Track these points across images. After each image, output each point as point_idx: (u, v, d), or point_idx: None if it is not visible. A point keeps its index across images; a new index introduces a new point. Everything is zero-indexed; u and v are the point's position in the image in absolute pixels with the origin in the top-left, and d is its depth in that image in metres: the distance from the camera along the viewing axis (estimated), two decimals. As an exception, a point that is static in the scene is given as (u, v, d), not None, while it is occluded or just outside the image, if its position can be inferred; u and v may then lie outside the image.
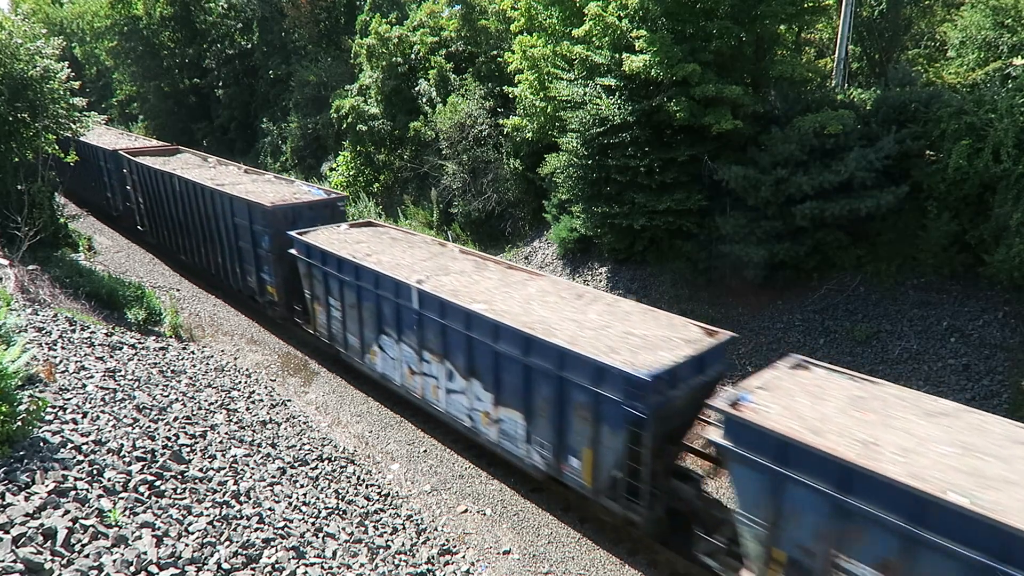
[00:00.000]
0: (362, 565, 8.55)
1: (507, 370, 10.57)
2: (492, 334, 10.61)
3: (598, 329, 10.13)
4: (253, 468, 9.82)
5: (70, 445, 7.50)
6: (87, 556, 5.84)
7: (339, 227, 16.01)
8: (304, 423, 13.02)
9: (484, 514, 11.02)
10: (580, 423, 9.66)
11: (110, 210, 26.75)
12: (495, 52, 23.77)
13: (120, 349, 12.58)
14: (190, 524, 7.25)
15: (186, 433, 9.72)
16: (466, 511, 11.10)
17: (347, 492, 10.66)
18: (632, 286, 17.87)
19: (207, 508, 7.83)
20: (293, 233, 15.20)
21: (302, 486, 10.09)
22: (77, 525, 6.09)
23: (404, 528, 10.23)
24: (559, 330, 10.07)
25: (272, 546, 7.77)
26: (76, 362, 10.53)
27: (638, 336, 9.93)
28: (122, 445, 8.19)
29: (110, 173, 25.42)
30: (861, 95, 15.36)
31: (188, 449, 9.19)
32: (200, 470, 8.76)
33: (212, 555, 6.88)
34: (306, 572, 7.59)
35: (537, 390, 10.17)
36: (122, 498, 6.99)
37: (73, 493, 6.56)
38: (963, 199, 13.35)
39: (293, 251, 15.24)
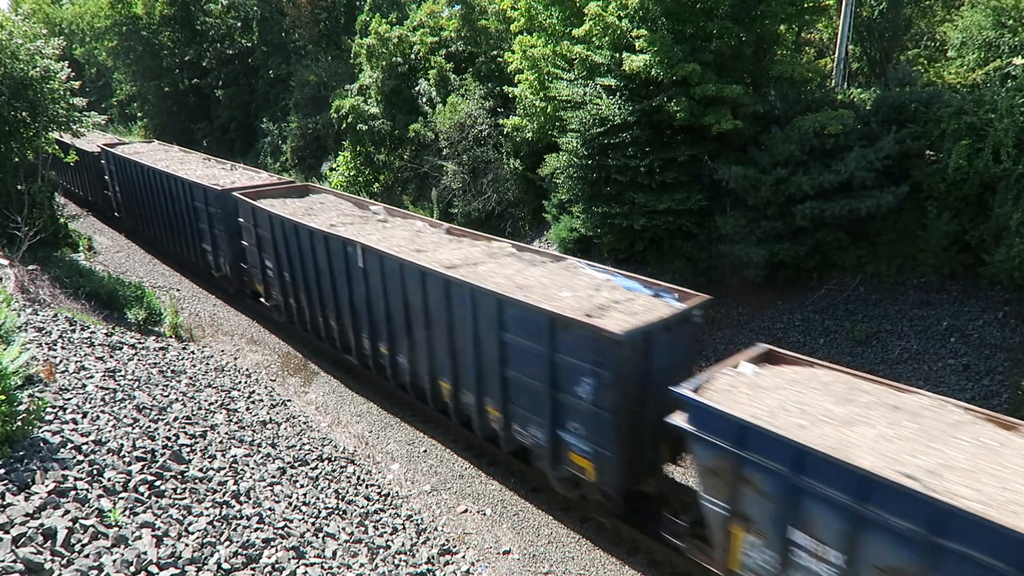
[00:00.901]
0: (362, 565, 8.55)
1: None
2: None
3: None
4: (253, 468, 9.82)
5: (70, 445, 7.50)
6: (87, 556, 5.83)
7: (741, 369, 8.74)
8: (304, 423, 13.02)
9: (484, 514, 11.02)
10: None
11: (208, 268, 20.26)
12: (495, 52, 23.78)
13: (120, 349, 12.58)
14: (190, 524, 7.25)
15: (186, 433, 9.72)
16: (466, 511, 11.10)
17: (347, 492, 10.66)
18: (632, 286, 17.87)
19: (207, 508, 7.83)
20: (690, 394, 8.00)
21: (302, 486, 10.09)
22: (77, 525, 6.09)
23: (404, 528, 10.23)
24: None
25: (272, 546, 7.77)
26: (76, 362, 10.53)
27: None
28: (122, 445, 8.19)
29: (212, 219, 18.69)
30: (861, 95, 15.37)
31: (188, 449, 9.20)
32: (200, 470, 8.76)
33: (212, 555, 6.88)
34: (306, 572, 7.59)
35: None
36: (122, 498, 6.99)
37: (73, 493, 6.56)
38: (963, 199, 13.35)
39: (684, 425, 8.10)
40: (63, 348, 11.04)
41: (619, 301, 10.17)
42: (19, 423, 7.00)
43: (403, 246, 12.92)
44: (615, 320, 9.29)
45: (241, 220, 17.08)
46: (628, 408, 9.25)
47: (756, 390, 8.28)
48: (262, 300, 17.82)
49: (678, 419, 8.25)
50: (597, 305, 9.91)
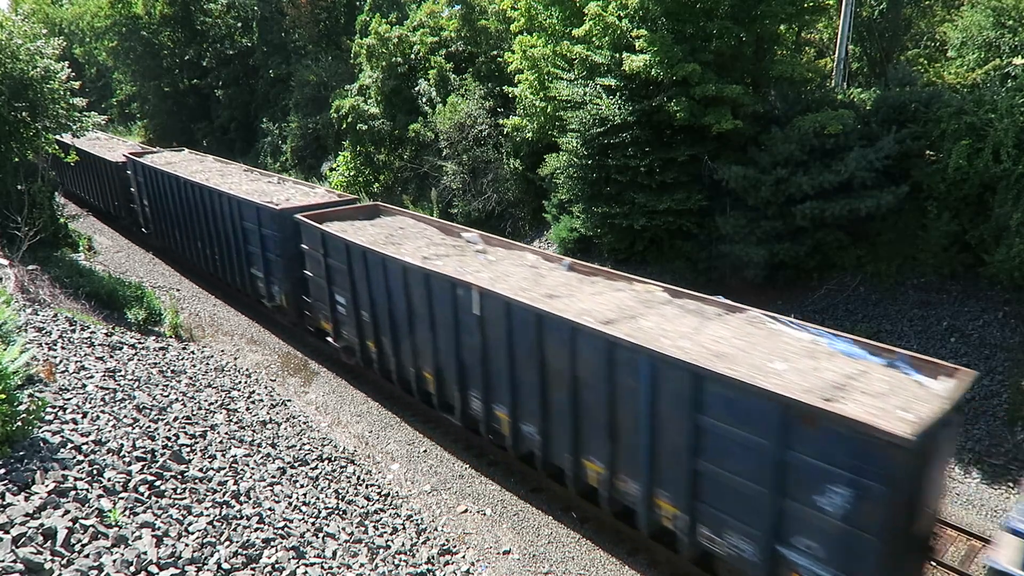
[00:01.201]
0: (362, 565, 8.55)
1: None
2: None
3: None
4: (253, 468, 9.82)
5: (70, 445, 7.49)
6: (87, 556, 5.83)
7: None
8: (304, 423, 13.02)
9: (484, 514, 11.02)
10: None
11: (257, 296, 17.87)
12: (495, 52, 23.80)
13: (120, 349, 12.58)
14: (190, 524, 7.25)
15: (186, 433, 9.72)
16: (466, 511, 11.10)
17: (347, 492, 10.66)
18: (632, 286, 17.87)
19: (207, 508, 7.83)
20: None
21: (302, 486, 10.09)
22: (77, 525, 6.09)
23: (404, 528, 10.23)
24: None
25: (272, 546, 7.77)
26: (76, 362, 10.53)
27: None
28: (122, 445, 8.19)
29: (266, 242, 16.40)
30: (861, 95, 15.38)
31: (188, 449, 9.20)
32: (200, 470, 8.76)
33: (212, 555, 6.88)
34: (306, 572, 7.58)
35: None
36: (122, 498, 6.99)
37: (73, 493, 6.56)
38: (963, 199, 13.36)
39: (1017, 573, 6.41)
40: (63, 348, 11.04)
41: (852, 376, 7.83)
42: (19, 423, 7.00)
43: (527, 289, 10.54)
44: (868, 408, 7.00)
45: (305, 247, 14.80)
46: (900, 529, 7.13)
47: None
48: (329, 339, 15.35)
49: (1003, 561, 6.30)
50: (830, 383, 7.56)
